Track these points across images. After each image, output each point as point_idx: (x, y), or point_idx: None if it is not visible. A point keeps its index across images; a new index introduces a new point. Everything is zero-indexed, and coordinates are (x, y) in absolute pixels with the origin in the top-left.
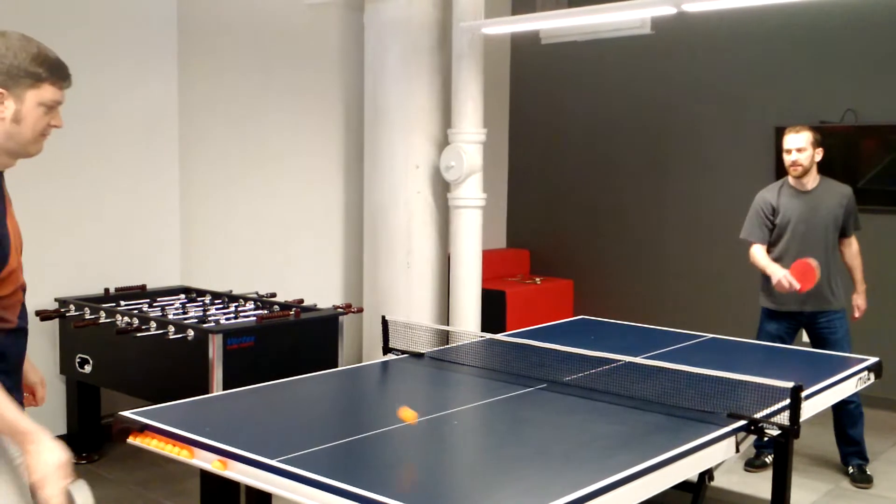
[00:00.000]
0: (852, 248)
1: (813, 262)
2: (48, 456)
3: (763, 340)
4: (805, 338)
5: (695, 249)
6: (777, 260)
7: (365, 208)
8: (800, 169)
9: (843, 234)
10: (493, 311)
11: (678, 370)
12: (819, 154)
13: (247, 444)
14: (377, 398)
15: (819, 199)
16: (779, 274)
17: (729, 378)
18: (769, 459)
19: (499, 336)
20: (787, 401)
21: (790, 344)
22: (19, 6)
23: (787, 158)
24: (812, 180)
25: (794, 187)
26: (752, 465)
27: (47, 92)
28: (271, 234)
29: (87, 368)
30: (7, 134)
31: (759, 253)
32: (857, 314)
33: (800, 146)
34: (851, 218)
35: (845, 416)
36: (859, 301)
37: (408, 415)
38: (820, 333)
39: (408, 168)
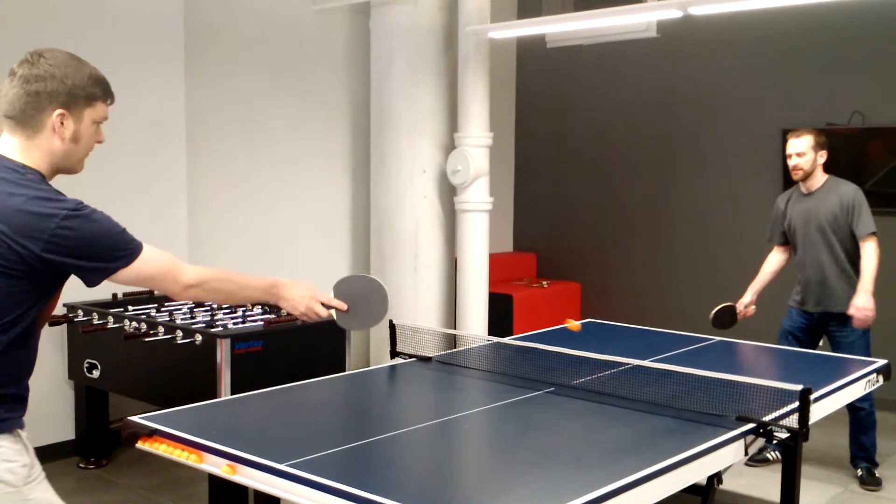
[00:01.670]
0: (863, 250)
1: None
2: (297, 293)
3: (779, 336)
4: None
5: (702, 252)
6: (799, 262)
7: (372, 212)
8: (800, 173)
9: (857, 236)
10: (501, 315)
11: (686, 373)
12: (822, 157)
13: (255, 448)
14: (385, 402)
15: (820, 200)
16: (743, 298)
17: (737, 381)
18: (770, 455)
19: (506, 340)
20: (796, 403)
21: (805, 343)
22: (27, 11)
23: (789, 162)
24: (816, 183)
25: (801, 192)
26: (754, 459)
27: (100, 110)
28: (278, 238)
29: (96, 373)
30: (65, 153)
31: (766, 262)
32: (851, 311)
33: (800, 150)
34: (856, 218)
35: (856, 422)
36: (856, 300)
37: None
38: (832, 336)
39: (414, 172)
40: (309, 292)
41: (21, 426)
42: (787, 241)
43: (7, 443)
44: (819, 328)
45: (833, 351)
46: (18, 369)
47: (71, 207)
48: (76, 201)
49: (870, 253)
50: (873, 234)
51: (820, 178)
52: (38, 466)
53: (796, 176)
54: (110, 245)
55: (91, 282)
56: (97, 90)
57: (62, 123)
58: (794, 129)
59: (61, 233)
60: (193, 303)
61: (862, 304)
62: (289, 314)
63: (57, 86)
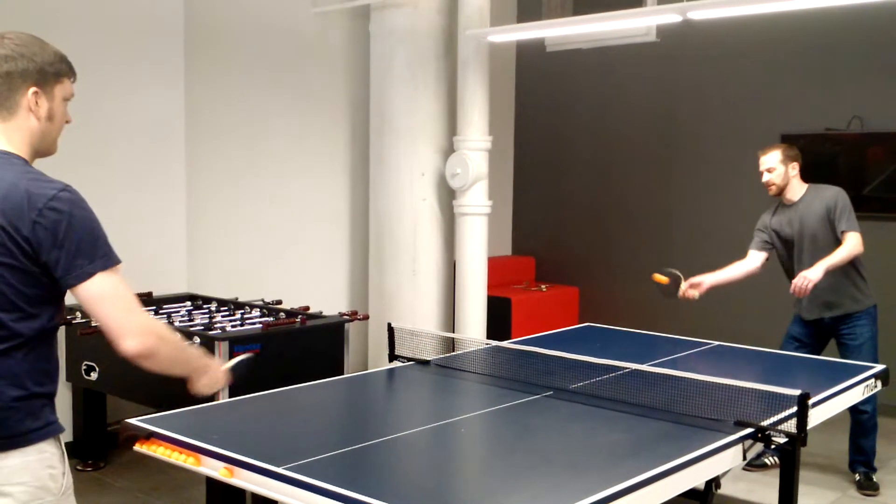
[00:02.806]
0: (844, 239)
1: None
2: (220, 372)
3: (785, 342)
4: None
5: (701, 257)
6: (788, 272)
7: (371, 215)
8: (774, 187)
9: (836, 232)
10: (499, 319)
11: (684, 377)
12: (794, 169)
13: (253, 451)
14: (383, 405)
15: (805, 208)
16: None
17: (735, 385)
18: (769, 461)
19: (504, 343)
20: (794, 408)
21: (813, 349)
22: (29, 11)
23: (762, 179)
24: (796, 193)
25: (784, 204)
26: (752, 464)
27: (68, 87)
28: (277, 241)
29: (94, 376)
30: (42, 133)
31: (737, 263)
32: (791, 285)
33: (770, 166)
34: (839, 217)
35: (857, 426)
36: (807, 271)
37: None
38: (842, 340)
39: (413, 175)
40: (222, 377)
41: (62, 430)
42: (765, 249)
43: (52, 448)
44: (828, 333)
45: (840, 354)
46: (53, 367)
47: (61, 187)
48: (65, 183)
49: (850, 241)
50: (854, 231)
51: (798, 188)
52: (70, 477)
53: (771, 191)
54: (94, 239)
55: (67, 280)
56: (63, 66)
57: (37, 102)
58: (792, 133)
59: (49, 213)
60: (192, 305)
61: (808, 274)
62: (288, 317)
63: (27, 64)
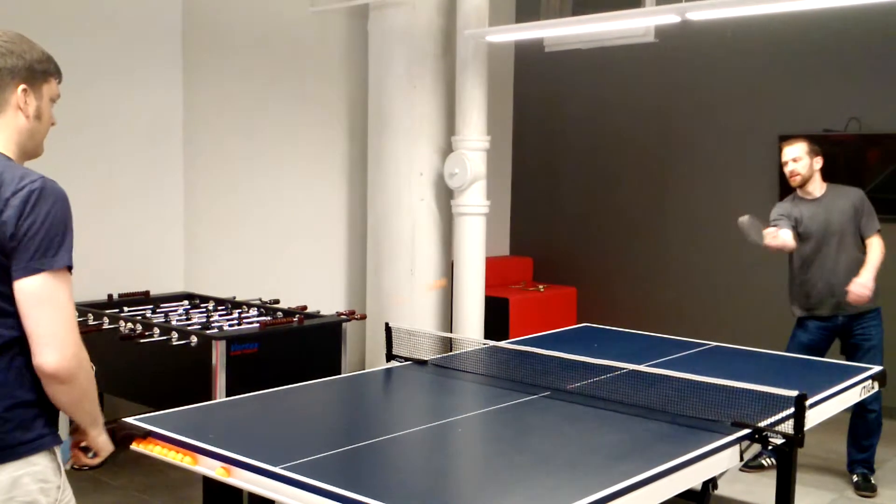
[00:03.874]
0: (871, 242)
1: None
2: (104, 441)
3: (794, 351)
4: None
5: (698, 257)
6: (805, 267)
7: (369, 215)
8: (798, 178)
9: (863, 236)
10: (497, 319)
11: (682, 378)
12: (818, 162)
13: (250, 451)
14: (380, 405)
15: (830, 205)
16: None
17: (733, 386)
18: (766, 462)
19: (502, 343)
20: (791, 409)
21: (822, 354)
22: (26, 13)
23: (786, 170)
24: (818, 188)
25: (803, 198)
26: (748, 465)
27: (55, 87)
28: (275, 240)
29: None
30: (30, 133)
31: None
32: (851, 286)
33: (795, 156)
34: (866, 218)
35: (863, 424)
36: (859, 277)
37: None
38: (854, 341)
39: (411, 175)
40: (110, 444)
41: (58, 443)
42: (793, 231)
43: (45, 461)
44: (838, 335)
45: (850, 355)
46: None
47: (34, 178)
48: (44, 177)
49: (880, 244)
50: (879, 233)
51: (820, 184)
52: (68, 491)
53: (794, 182)
54: (51, 236)
55: (22, 269)
56: (51, 66)
57: (26, 101)
58: (789, 135)
59: (13, 202)
60: (189, 304)
61: (863, 281)
62: (285, 317)
63: (16, 61)
